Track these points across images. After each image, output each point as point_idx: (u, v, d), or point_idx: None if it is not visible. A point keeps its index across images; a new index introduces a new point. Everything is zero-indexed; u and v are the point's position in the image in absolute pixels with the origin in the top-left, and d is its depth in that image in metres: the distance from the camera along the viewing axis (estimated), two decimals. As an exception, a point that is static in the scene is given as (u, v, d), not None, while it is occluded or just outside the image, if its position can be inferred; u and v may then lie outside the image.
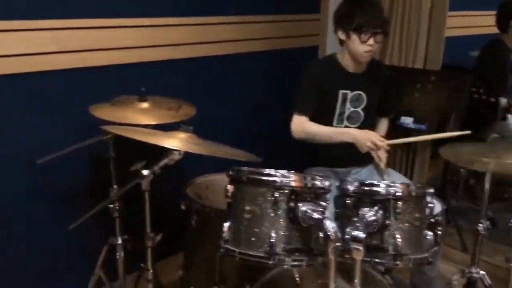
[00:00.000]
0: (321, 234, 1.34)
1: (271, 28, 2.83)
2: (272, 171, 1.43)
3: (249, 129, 2.81)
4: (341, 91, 2.20)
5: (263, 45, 2.81)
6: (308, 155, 2.38)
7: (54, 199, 2.18)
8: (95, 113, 1.92)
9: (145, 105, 2.00)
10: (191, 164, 1.92)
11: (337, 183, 1.58)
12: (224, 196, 1.50)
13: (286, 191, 1.39)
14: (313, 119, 2.18)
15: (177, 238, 2.04)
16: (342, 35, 2.15)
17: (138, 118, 1.92)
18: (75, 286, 2.30)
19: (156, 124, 1.92)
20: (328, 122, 2.21)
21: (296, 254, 1.40)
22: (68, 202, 2.22)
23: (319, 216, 1.31)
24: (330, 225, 1.26)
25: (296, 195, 1.39)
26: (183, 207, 2.00)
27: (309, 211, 1.33)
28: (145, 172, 1.58)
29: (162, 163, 1.58)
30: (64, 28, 2.03)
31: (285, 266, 1.43)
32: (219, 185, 2.19)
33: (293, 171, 1.46)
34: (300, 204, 1.37)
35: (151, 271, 1.77)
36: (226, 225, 1.47)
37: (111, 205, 2.11)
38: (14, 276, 2.11)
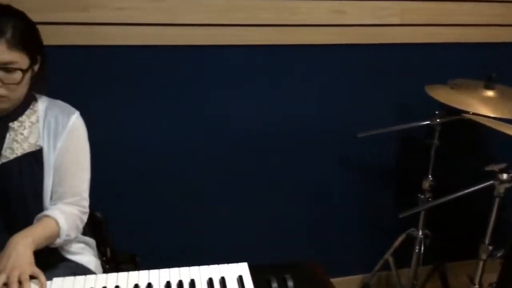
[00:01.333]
0: None
1: None
2: None
3: None
4: None
5: None
6: None
7: (360, 172, 2.14)
8: (431, 94, 1.76)
9: (490, 93, 1.73)
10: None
11: None
12: None
13: None
14: None
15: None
16: None
17: (480, 107, 1.67)
18: (361, 264, 2.28)
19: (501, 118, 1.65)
20: None
21: None
22: (372, 178, 2.17)
23: None
24: None
25: None
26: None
27: None
28: (504, 176, 1.34)
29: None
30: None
31: None
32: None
33: None
34: None
35: (477, 286, 1.55)
36: None
37: (421, 196, 1.98)
38: (302, 243, 2.18)
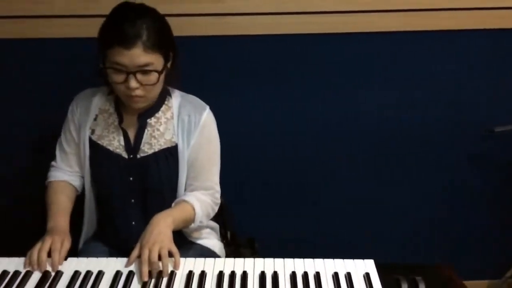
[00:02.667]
0: None
1: None
2: None
3: None
4: None
5: None
6: None
7: (496, 171, 1.95)
8: None
9: None
10: None
11: None
12: None
13: None
14: None
15: None
16: None
17: None
18: (490, 269, 2.12)
19: None
20: None
21: None
22: (510, 178, 1.97)
23: None
24: None
25: None
26: None
27: None
28: None
29: None
30: None
31: None
32: None
33: None
34: None
35: None
36: None
37: None
38: (427, 243, 2.06)
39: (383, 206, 1.98)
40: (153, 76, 1.27)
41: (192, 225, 1.41)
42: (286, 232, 1.95)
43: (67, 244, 1.26)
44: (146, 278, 1.17)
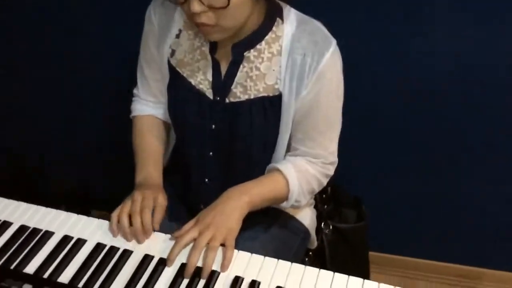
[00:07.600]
0: None
1: None
2: None
3: None
4: None
5: None
6: None
7: None
8: None
9: None
10: None
11: None
12: None
13: None
14: None
15: None
16: None
17: None
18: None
19: None
20: None
21: None
22: None
23: None
24: None
25: None
26: None
27: None
28: None
29: None
30: None
31: None
32: None
33: None
34: None
35: None
36: None
37: None
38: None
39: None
40: None
41: (284, 205, 1.04)
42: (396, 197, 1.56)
43: (162, 201, 0.98)
44: (171, 264, 0.87)
